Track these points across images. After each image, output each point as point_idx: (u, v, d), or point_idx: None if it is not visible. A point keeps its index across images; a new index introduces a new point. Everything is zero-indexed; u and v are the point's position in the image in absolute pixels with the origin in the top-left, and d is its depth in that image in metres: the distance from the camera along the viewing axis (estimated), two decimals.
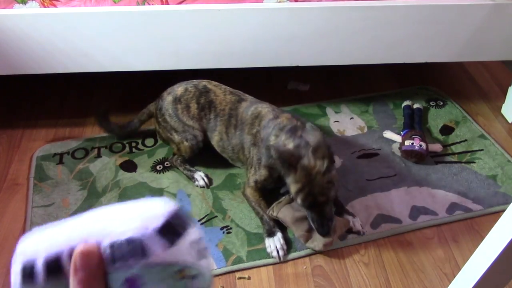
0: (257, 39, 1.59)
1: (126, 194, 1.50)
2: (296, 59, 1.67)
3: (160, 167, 1.61)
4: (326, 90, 1.98)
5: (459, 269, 1.05)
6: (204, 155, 1.60)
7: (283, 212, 1.37)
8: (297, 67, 1.71)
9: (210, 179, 1.56)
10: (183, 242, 0.33)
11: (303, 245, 1.34)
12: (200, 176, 1.54)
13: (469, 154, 1.66)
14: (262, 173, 1.41)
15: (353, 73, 2.07)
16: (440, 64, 2.12)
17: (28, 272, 0.32)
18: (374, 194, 1.50)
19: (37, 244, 0.34)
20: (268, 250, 1.32)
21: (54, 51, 1.55)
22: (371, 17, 1.57)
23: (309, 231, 1.32)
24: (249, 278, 1.28)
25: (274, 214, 1.37)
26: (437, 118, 1.82)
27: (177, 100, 1.55)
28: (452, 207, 1.46)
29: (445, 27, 1.62)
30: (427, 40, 1.66)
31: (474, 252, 0.93)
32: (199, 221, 1.42)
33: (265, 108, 1.47)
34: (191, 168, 1.57)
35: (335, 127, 1.77)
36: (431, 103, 1.90)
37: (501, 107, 1.86)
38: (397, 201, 1.48)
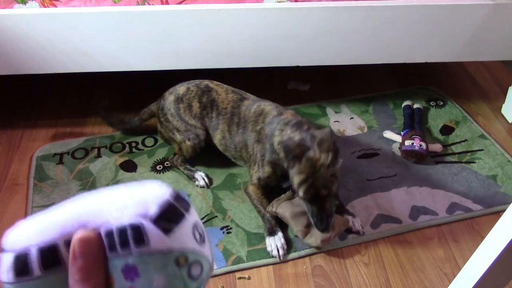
0: (257, 39, 1.59)
1: None
2: (296, 59, 1.67)
3: (160, 167, 1.61)
4: (326, 90, 1.98)
5: (459, 269, 1.04)
6: (204, 155, 1.60)
7: (283, 207, 1.37)
8: (297, 67, 1.71)
9: (210, 179, 1.56)
10: (182, 228, 0.31)
11: (303, 245, 1.34)
12: (200, 176, 1.54)
13: (469, 154, 1.66)
14: (266, 170, 1.41)
15: (353, 73, 2.07)
16: (440, 64, 2.12)
17: (22, 265, 0.30)
18: (374, 194, 1.50)
19: (28, 234, 0.31)
20: (269, 248, 1.32)
21: (54, 51, 1.55)
22: (371, 17, 1.57)
23: (308, 226, 1.32)
24: (249, 278, 1.28)
25: (273, 209, 1.37)
26: (437, 118, 1.82)
27: (179, 100, 1.55)
28: (452, 207, 1.46)
29: (445, 27, 1.62)
30: (427, 40, 1.66)
31: (474, 252, 0.93)
32: None
33: (268, 106, 1.48)
34: (192, 168, 1.57)
35: (335, 127, 1.77)
36: (431, 103, 1.90)
37: (501, 107, 1.86)
38: (397, 201, 1.48)
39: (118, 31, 1.53)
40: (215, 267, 1.29)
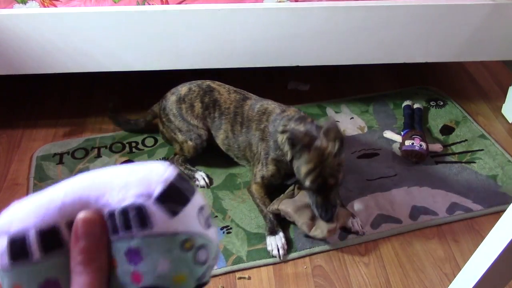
0: (257, 39, 1.59)
1: None
2: (296, 59, 1.67)
3: None
4: (326, 90, 1.98)
5: (459, 269, 1.04)
6: (205, 155, 1.60)
7: (284, 203, 1.37)
8: (297, 67, 1.71)
9: (210, 179, 1.56)
10: (189, 210, 0.30)
11: (304, 245, 1.34)
12: (200, 176, 1.54)
13: (469, 154, 1.66)
14: (270, 168, 1.42)
15: (353, 73, 2.07)
16: (440, 64, 2.12)
17: (19, 248, 0.28)
18: (374, 194, 1.50)
19: (25, 214, 0.29)
20: (269, 248, 1.32)
21: (54, 51, 1.55)
22: (371, 17, 1.57)
23: (313, 219, 1.32)
24: (249, 278, 1.28)
25: (276, 206, 1.37)
26: (437, 118, 1.82)
27: (181, 100, 1.55)
28: (452, 207, 1.46)
29: (445, 27, 1.62)
30: (427, 40, 1.66)
31: (475, 252, 0.93)
32: None
33: (271, 105, 1.49)
34: (192, 168, 1.57)
35: None
36: (431, 103, 1.90)
37: (501, 107, 1.86)
38: (397, 201, 1.48)
39: (118, 31, 1.53)
40: (215, 267, 1.29)
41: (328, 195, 1.26)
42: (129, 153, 1.66)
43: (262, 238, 1.36)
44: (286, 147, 1.31)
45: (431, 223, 1.41)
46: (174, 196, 0.29)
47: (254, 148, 1.47)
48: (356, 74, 2.07)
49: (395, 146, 1.68)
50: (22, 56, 1.55)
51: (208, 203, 1.48)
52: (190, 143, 1.54)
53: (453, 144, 1.70)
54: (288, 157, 1.31)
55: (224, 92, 1.54)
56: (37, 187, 1.53)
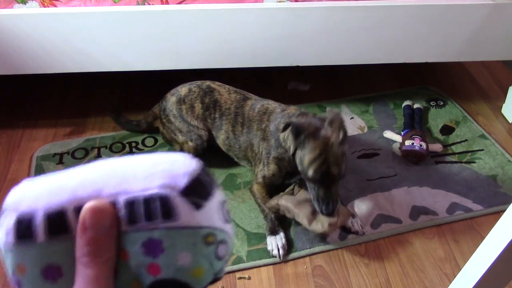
0: (257, 39, 1.59)
1: None
2: (296, 59, 1.67)
3: None
4: (326, 90, 1.98)
5: (460, 269, 1.05)
6: (205, 155, 1.60)
7: (285, 199, 1.36)
8: (297, 67, 1.71)
9: None
10: (212, 204, 0.29)
11: (304, 245, 1.34)
12: None
13: (469, 154, 1.66)
14: (271, 167, 1.42)
15: (353, 73, 2.07)
16: (440, 64, 2.12)
17: (25, 228, 0.27)
18: (374, 194, 1.50)
19: (36, 195, 0.28)
20: (269, 247, 1.32)
21: (54, 51, 1.55)
22: (371, 17, 1.57)
23: (313, 213, 1.31)
24: (249, 278, 1.28)
25: (275, 201, 1.37)
26: (437, 118, 1.82)
27: (181, 101, 1.55)
28: (453, 207, 1.46)
29: (445, 27, 1.62)
30: (427, 40, 1.66)
31: (475, 252, 0.93)
32: None
33: (272, 104, 1.49)
34: None
35: None
36: (431, 103, 1.90)
37: (502, 107, 1.86)
38: (397, 201, 1.48)
39: (118, 31, 1.53)
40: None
41: (330, 188, 1.26)
42: (129, 153, 1.66)
43: (262, 238, 1.36)
44: (289, 141, 1.30)
45: (431, 223, 1.41)
46: (198, 190, 0.29)
47: (255, 148, 1.47)
48: (356, 74, 2.07)
49: (395, 146, 1.68)
50: (22, 56, 1.55)
51: None
52: (190, 143, 1.54)
53: (453, 144, 1.70)
54: (291, 150, 1.30)
55: (224, 92, 1.54)
56: None
